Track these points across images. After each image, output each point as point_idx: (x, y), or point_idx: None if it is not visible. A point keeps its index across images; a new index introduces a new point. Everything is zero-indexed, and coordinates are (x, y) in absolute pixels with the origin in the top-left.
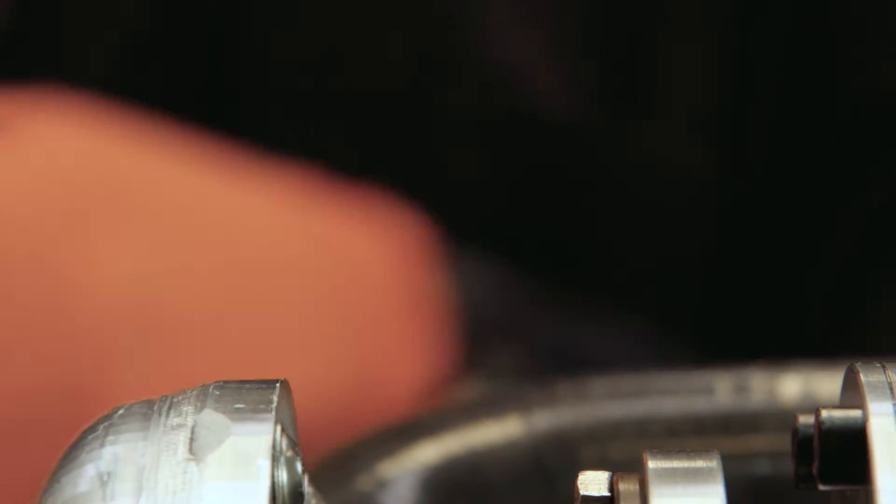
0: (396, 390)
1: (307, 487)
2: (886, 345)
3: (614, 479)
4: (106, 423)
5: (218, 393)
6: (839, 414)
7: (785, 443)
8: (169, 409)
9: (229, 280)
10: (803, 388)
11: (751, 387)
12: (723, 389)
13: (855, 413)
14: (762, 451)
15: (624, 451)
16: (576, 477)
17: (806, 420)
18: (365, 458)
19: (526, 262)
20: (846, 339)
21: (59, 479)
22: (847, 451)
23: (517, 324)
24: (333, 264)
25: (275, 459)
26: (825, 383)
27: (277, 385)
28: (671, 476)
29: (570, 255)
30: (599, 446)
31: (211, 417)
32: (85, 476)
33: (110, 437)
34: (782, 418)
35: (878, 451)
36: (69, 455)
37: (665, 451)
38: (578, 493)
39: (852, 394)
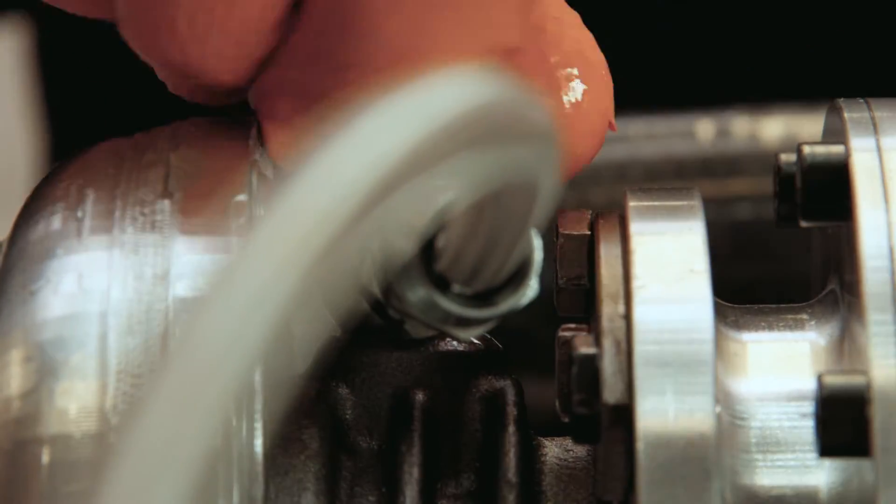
0: None
1: None
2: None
3: (595, 218)
4: (79, 161)
5: (193, 129)
6: (821, 149)
7: (766, 185)
8: (144, 146)
9: None
10: (785, 130)
11: (732, 130)
12: (703, 132)
13: (838, 148)
14: (743, 195)
15: (603, 196)
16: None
17: (788, 158)
18: None
19: None
20: (829, 81)
21: (33, 217)
22: (829, 187)
23: None
24: None
25: (251, 195)
26: (808, 125)
27: (254, 123)
28: (651, 213)
29: None
30: (579, 191)
31: (187, 154)
32: (58, 214)
33: (85, 175)
34: (764, 161)
35: (860, 186)
36: (42, 193)
37: (645, 190)
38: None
39: (835, 131)
